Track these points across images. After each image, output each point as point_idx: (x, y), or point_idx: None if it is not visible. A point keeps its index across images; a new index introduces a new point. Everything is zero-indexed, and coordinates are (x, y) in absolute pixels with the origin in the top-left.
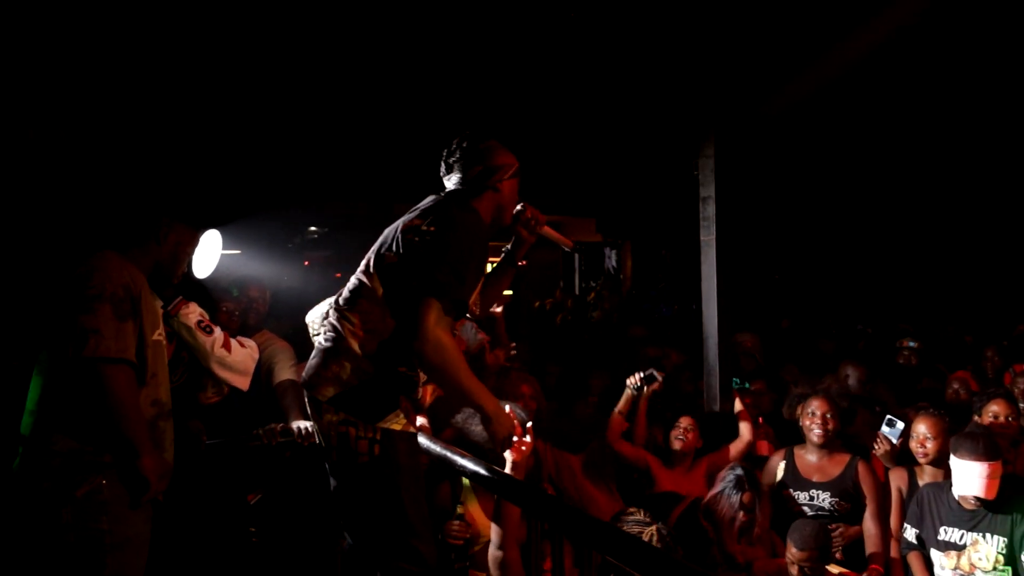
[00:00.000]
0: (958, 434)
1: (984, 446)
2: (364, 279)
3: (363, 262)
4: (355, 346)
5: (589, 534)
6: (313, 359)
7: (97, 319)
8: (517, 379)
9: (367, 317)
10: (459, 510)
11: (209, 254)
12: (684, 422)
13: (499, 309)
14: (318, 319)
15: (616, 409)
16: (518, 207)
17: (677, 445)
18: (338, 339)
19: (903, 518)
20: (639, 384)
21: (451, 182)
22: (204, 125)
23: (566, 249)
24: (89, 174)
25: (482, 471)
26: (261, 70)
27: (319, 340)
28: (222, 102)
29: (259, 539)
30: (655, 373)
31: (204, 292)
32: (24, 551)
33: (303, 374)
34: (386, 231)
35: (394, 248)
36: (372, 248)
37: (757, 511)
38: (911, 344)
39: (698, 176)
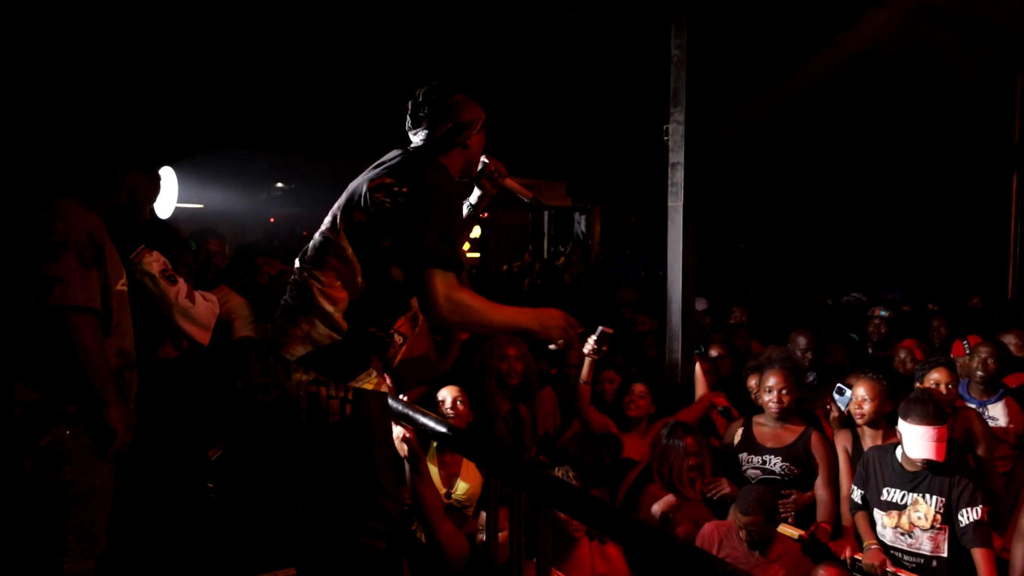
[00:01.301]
0: (907, 399)
1: (933, 411)
2: (331, 236)
3: (328, 218)
4: (325, 304)
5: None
6: (279, 317)
7: (61, 267)
8: (503, 341)
9: (338, 276)
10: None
11: (166, 193)
12: (637, 389)
13: None
14: None
15: (581, 380)
16: (483, 160)
17: (631, 412)
18: (307, 297)
19: (851, 478)
20: (596, 347)
21: (418, 137)
22: (160, 67)
23: (525, 200)
24: (43, 121)
25: (443, 430)
26: (226, 17)
27: (285, 299)
28: (181, 44)
29: (217, 495)
30: (604, 329)
31: (162, 244)
32: None
33: (269, 332)
34: (351, 187)
35: (363, 205)
36: (337, 204)
37: (705, 452)
38: (882, 314)
39: (668, 142)
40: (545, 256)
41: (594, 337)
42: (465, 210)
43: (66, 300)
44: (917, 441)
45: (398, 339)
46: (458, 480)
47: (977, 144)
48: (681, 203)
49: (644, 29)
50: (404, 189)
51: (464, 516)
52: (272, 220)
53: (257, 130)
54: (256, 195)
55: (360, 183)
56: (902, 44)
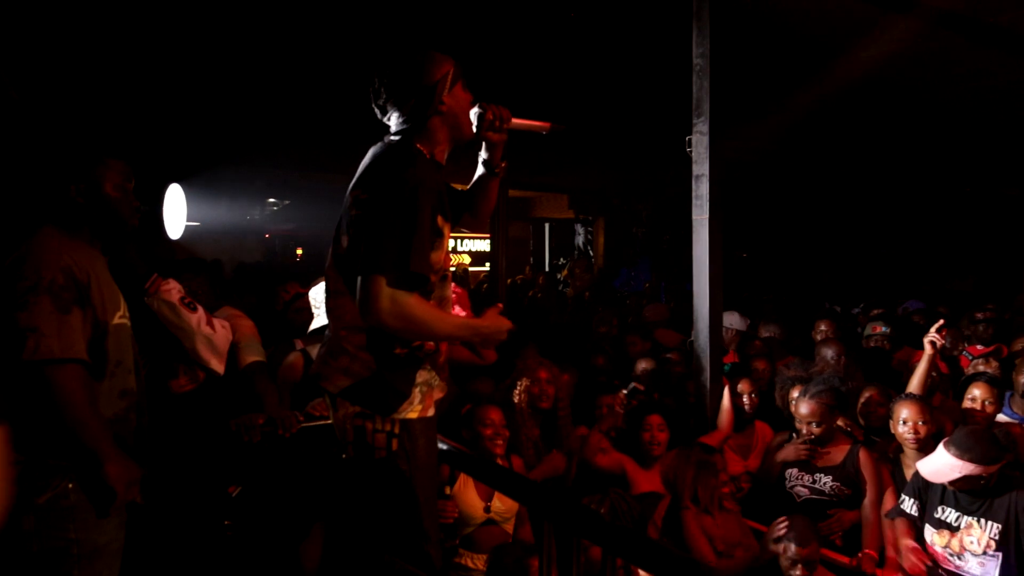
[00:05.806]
0: (968, 432)
1: (988, 455)
2: (330, 274)
3: (329, 252)
4: (349, 346)
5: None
6: (322, 348)
7: (33, 315)
8: (534, 364)
9: (346, 312)
10: (448, 491)
11: (176, 212)
12: (655, 421)
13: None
14: (321, 296)
15: (597, 428)
16: (475, 111)
17: (656, 452)
18: (336, 336)
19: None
20: (626, 402)
21: (391, 122)
22: (157, 86)
23: (544, 133)
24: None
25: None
26: (218, 37)
27: (327, 332)
28: (174, 61)
29: (233, 532)
30: (637, 387)
31: (173, 270)
32: None
33: (314, 365)
34: (341, 210)
35: (347, 231)
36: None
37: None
38: (883, 329)
39: (691, 154)
40: (547, 268)
41: (625, 391)
42: (480, 170)
43: (40, 353)
44: (946, 471)
45: (430, 345)
46: (495, 495)
47: (996, 151)
48: (707, 216)
49: (647, 39)
50: (365, 197)
51: (503, 530)
52: (268, 236)
53: (253, 148)
54: (251, 211)
55: (346, 199)
56: (921, 52)
